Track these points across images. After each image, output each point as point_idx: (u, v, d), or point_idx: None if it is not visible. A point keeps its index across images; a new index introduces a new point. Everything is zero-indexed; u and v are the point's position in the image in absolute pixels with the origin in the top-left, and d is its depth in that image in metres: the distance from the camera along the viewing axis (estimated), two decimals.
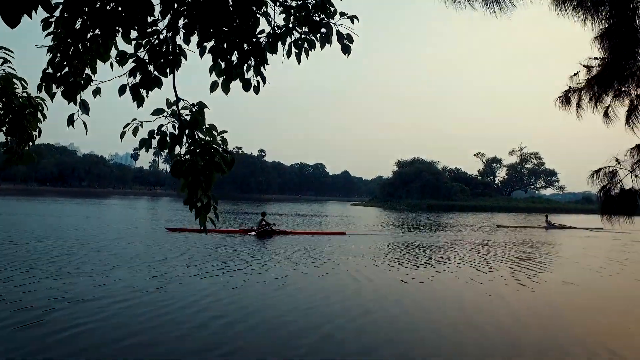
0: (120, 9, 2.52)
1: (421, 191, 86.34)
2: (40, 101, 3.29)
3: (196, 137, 2.55)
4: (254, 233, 21.19)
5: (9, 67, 3.21)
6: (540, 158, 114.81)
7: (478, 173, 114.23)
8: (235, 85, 2.80)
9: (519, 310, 9.06)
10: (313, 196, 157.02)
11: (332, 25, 2.61)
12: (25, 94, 3.29)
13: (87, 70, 2.65)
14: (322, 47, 2.64)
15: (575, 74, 6.29)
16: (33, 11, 2.32)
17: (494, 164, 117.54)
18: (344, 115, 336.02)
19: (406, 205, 75.39)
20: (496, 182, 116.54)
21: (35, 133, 3.28)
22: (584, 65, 6.24)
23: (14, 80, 3.24)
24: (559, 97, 6.44)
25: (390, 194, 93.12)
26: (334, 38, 2.63)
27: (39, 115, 3.28)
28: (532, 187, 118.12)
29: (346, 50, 2.65)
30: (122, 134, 2.55)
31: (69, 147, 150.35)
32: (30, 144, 3.29)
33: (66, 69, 2.59)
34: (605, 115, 6.18)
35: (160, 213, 41.07)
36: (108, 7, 2.52)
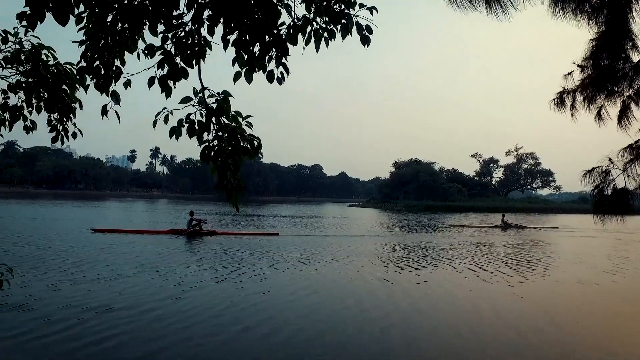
0: (147, 3, 2.65)
1: (418, 192, 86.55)
2: (72, 69, 3.17)
3: (223, 123, 2.66)
4: (182, 235, 20.60)
5: (32, 35, 3.07)
6: (536, 158, 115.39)
7: (475, 174, 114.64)
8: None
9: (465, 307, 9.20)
10: (310, 197, 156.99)
11: (352, 16, 2.72)
12: (54, 64, 3.16)
13: (117, 62, 2.77)
14: (343, 37, 2.74)
15: (569, 74, 6.33)
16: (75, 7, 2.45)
17: (491, 165, 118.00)
18: (342, 116, 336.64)
19: (404, 206, 75.51)
20: (493, 182, 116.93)
21: (75, 105, 3.17)
22: (578, 65, 6.31)
23: (42, 50, 3.12)
24: (554, 100, 6.48)
25: (388, 195, 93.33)
26: (354, 29, 2.73)
27: (75, 83, 3.14)
28: (529, 187, 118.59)
29: (365, 41, 2.76)
30: (154, 122, 2.67)
31: (65, 149, 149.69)
32: (72, 117, 3.18)
33: (97, 62, 2.70)
34: (598, 115, 6.27)
35: (116, 213, 40.66)
36: (136, 2, 2.65)
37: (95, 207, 50.81)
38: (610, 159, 5.51)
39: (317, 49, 2.78)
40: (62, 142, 3.24)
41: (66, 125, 3.20)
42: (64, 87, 3.13)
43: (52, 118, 3.17)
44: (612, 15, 5.69)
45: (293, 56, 2.85)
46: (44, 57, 3.13)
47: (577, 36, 6.30)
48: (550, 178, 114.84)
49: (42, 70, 3.07)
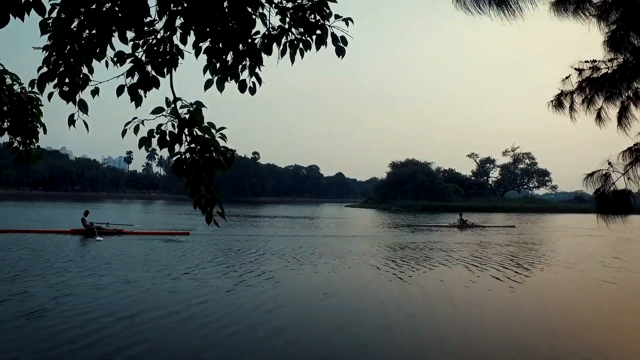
0: (117, 9, 2.56)
1: (415, 192, 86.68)
2: (37, 95, 3.22)
3: (195, 134, 2.59)
4: (81, 234, 20.09)
5: None
6: (533, 158, 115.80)
7: (472, 173, 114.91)
8: (229, 88, 2.85)
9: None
10: (307, 198, 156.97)
11: (327, 27, 2.66)
12: (19, 90, 3.21)
13: (85, 70, 2.68)
14: (317, 48, 2.69)
15: (567, 77, 6.34)
16: (26, 13, 2.36)
17: (488, 165, 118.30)
18: (340, 117, 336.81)
19: (401, 207, 75.58)
20: (490, 182, 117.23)
21: (39, 129, 3.23)
22: (575, 69, 6.31)
23: (5, 75, 3.18)
24: (552, 101, 6.50)
25: (385, 195, 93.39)
26: (329, 40, 2.68)
27: (39, 109, 3.21)
28: (525, 187, 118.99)
29: (340, 52, 2.71)
30: (124, 132, 2.59)
31: (61, 150, 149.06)
32: (35, 140, 3.23)
33: (62, 68, 2.61)
34: (598, 117, 6.27)
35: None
36: (104, 8, 2.56)
37: (79, 208, 50.23)
38: (609, 163, 5.49)
39: (292, 60, 2.73)
40: (27, 163, 3.29)
41: (29, 148, 3.23)
42: (26, 110, 3.16)
43: (13, 140, 3.20)
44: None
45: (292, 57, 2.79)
46: (8, 82, 3.13)
47: (575, 37, 6.25)
48: (546, 178, 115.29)
49: (5, 97, 3.07)
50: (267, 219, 41.09)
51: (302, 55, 2.75)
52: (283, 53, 2.75)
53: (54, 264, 12.78)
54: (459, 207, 74.57)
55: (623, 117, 6.10)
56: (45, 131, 3.25)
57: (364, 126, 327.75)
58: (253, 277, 11.75)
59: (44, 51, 2.57)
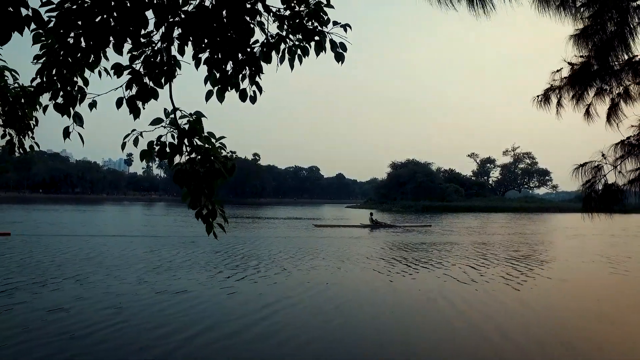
0: (113, 22, 2.53)
1: (416, 192, 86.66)
2: (31, 89, 3.31)
3: (195, 145, 2.57)
4: None
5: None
6: (533, 158, 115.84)
7: (472, 173, 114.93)
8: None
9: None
10: (308, 199, 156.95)
11: (326, 34, 2.65)
12: (17, 85, 3.32)
13: (80, 83, 2.66)
14: (317, 54, 2.68)
15: (558, 71, 6.19)
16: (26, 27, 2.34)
17: (488, 164, 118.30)
18: (339, 117, 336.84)
19: (401, 207, 75.55)
20: (490, 182, 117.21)
21: (32, 122, 3.33)
22: (568, 63, 6.18)
23: (5, 71, 3.28)
24: (538, 96, 6.33)
25: (385, 195, 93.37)
26: (328, 46, 2.66)
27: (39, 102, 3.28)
28: (526, 186, 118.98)
29: (339, 58, 2.69)
30: (123, 145, 2.57)
31: (62, 153, 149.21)
32: (30, 133, 3.35)
33: (55, 79, 2.59)
34: (587, 113, 6.18)
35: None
36: (98, 20, 2.53)
37: (71, 211, 50.09)
38: (603, 154, 5.45)
39: (292, 66, 2.71)
40: (20, 153, 3.47)
41: (23, 140, 3.38)
42: (23, 105, 3.27)
43: (7, 132, 3.34)
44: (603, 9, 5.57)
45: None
46: (6, 77, 3.16)
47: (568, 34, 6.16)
48: (547, 177, 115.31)
49: (7, 91, 3.14)
50: (267, 219, 41.04)
51: (300, 61, 2.73)
52: (282, 60, 2.73)
53: None
54: (460, 207, 74.64)
55: (612, 113, 6.01)
56: (37, 123, 3.40)
57: (364, 126, 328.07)
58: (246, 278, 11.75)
59: (36, 62, 2.55)
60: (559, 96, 6.28)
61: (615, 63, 5.75)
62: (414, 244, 21.91)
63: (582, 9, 5.72)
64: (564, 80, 6.22)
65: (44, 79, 2.50)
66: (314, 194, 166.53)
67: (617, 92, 6.01)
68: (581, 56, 6.02)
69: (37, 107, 3.28)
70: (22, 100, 3.29)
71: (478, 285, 11.67)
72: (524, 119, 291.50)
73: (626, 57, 5.63)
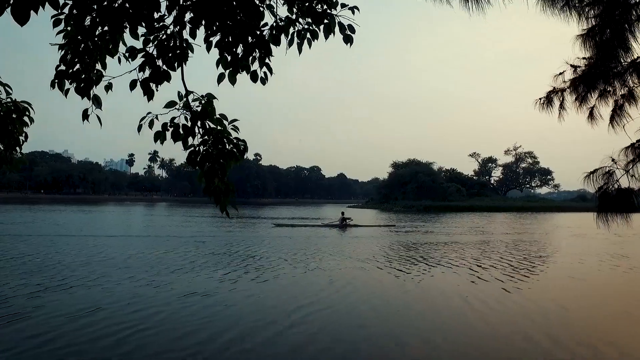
0: (127, 5, 2.60)
1: (417, 192, 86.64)
2: (26, 105, 3.36)
3: (207, 127, 2.63)
4: None
5: None
6: (535, 157, 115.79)
7: (474, 173, 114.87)
8: (230, 88, 2.89)
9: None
10: (309, 199, 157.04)
11: (334, 16, 2.70)
12: (9, 100, 3.34)
13: (98, 66, 2.72)
14: (326, 37, 2.73)
15: (560, 73, 6.19)
16: (41, 7, 2.40)
17: (490, 164, 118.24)
18: (339, 117, 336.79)
19: (402, 207, 75.55)
20: (492, 181, 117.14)
21: (22, 138, 3.37)
22: (570, 65, 6.18)
23: None
24: (540, 99, 6.32)
25: (387, 195, 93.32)
26: (336, 29, 2.71)
27: (26, 119, 3.35)
28: (528, 186, 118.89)
29: (348, 40, 2.74)
30: (139, 127, 2.63)
31: (64, 153, 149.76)
32: (18, 148, 3.39)
33: (78, 66, 2.66)
34: (590, 115, 6.17)
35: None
36: (115, 4, 2.60)
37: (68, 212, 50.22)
38: (613, 160, 5.38)
39: (300, 50, 2.76)
40: (9, 167, 3.49)
41: (11, 155, 3.41)
42: (14, 120, 3.31)
43: None
44: (606, 9, 5.58)
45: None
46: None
47: (573, 34, 6.18)
48: (548, 177, 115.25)
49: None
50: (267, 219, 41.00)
51: (309, 45, 2.78)
52: (290, 43, 2.78)
53: None
54: (461, 207, 74.62)
55: (616, 115, 5.99)
56: (26, 139, 3.44)
57: (365, 126, 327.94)
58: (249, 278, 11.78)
59: (60, 50, 2.62)
60: (561, 99, 6.27)
61: (620, 64, 5.74)
62: (422, 243, 21.84)
63: (587, 9, 5.72)
64: (566, 82, 6.20)
65: (66, 66, 2.59)
66: (315, 194, 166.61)
67: (620, 93, 5.99)
68: (584, 58, 6.02)
69: (28, 122, 3.35)
70: (14, 116, 3.32)
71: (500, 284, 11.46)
72: (526, 118, 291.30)
73: (630, 59, 5.65)
